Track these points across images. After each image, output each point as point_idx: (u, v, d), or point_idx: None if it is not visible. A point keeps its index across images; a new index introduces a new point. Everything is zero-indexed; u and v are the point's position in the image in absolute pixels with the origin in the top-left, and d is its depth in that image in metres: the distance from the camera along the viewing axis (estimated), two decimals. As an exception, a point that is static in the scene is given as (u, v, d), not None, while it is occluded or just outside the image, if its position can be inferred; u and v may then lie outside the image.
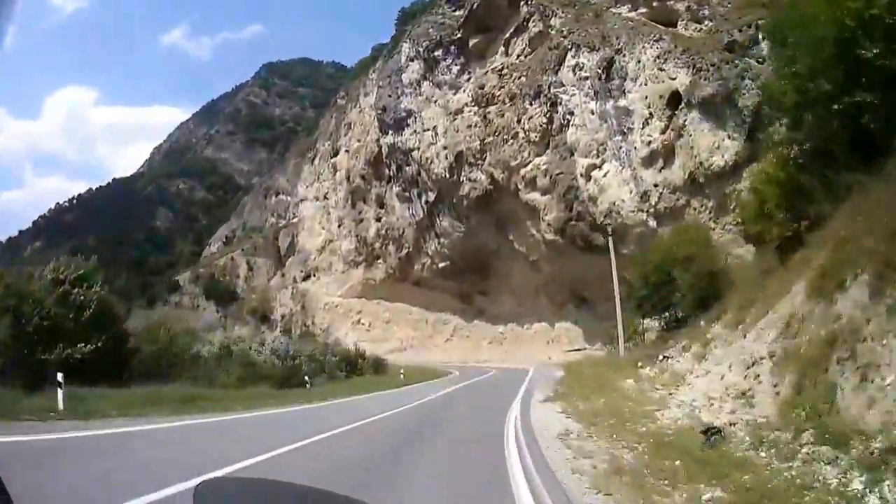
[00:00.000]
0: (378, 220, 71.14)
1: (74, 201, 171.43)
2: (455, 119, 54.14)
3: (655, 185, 36.39)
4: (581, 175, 40.24)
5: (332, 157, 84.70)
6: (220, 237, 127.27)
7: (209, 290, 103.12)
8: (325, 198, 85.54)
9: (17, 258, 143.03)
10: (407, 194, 64.20)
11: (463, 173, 52.54)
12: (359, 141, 75.65)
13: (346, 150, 79.98)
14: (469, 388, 27.57)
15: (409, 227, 64.94)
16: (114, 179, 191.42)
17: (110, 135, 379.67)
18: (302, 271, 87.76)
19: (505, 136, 47.03)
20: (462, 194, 53.06)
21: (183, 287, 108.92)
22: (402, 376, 35.29)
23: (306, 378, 27.16)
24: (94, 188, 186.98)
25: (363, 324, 75.23)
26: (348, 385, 28.59)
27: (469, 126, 51.75)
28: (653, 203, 36.43)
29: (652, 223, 36.28)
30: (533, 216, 44.95)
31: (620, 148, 37.91)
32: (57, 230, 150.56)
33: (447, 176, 54.89)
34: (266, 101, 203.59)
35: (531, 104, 44.91)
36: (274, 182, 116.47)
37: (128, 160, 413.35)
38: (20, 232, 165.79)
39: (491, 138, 48.70)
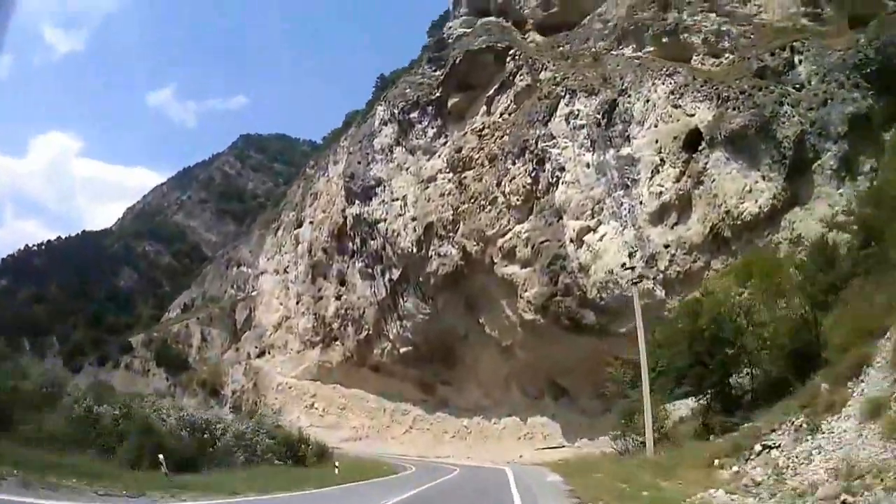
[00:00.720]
0: (338, 297, 66.07)
1: (43, 247, 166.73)
2: (427, 187, 49.91)
3: (666, 246, 31.53)
4: (571, 241, 35.42)
5: (295, 229, 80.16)
6: (179, 304, 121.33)
7: (160, 355, 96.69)
8: (286, 271, 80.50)
9: None
10: (370, 271, 59.39)
11: (432, 247, 47.96)
12: (324, 212, 71.49)
13: (311, 222, 75.50)
14: (432, 497, 19.39)
15: (369, 308, 59.80)
16: (84, 231, 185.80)
17: (89, 188, 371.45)
18: (256, 347, 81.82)
19: (482, 203, 42.60)
20: (429, 271, 48.33)
21: (136, 349, 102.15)
22: (336, 470, 28.35)
23: (161, 460, 19.50)
24: (63, 237, 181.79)
25: (317, 408, 69.00)
26: (253, 476, 22.00)
27: (442, 195, 47.51)
28: (661, 268, 31.49)
29: (659, 292, 31.38)
30: (509, 293, 39.87)
31: (622, 205, 33.32)
32: (23, 272, 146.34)
33: (414, 251, 50.26)
34: (240, 173, 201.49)
35: (514, 163, 40.67)
36: (237, 253, 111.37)
37: (103, 217, 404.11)
38: None
39: (466, 206, 44.32)
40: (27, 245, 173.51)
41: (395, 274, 54.40)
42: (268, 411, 73.53)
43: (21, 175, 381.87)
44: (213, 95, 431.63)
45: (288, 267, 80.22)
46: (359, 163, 61.68)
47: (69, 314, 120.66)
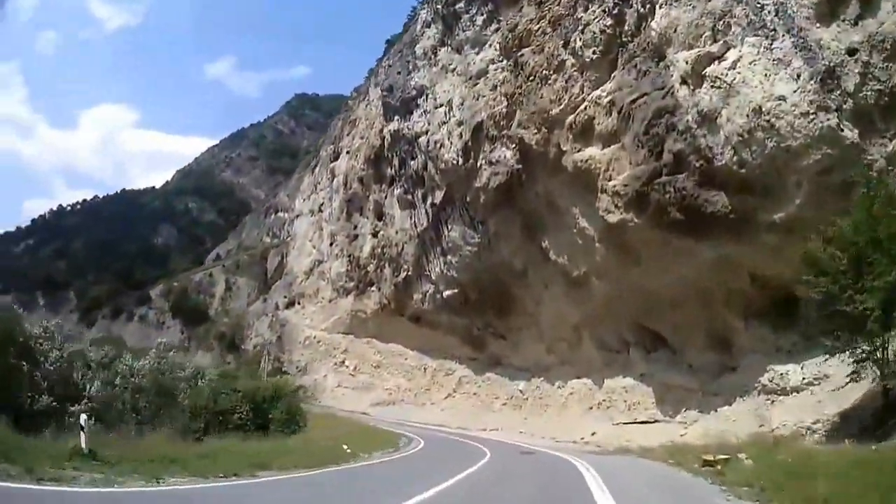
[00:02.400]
0: (374, 234, 55.59)
1: (78, 206, 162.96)
2: (476, 84, 38.19)
3: (851, 53, 17.97)
4: (682, 82, 22.15)
5: (332, 162, 69.80)
6: (214, 257, 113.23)
7: (177, 306, 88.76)
8: (320, 210, 70.56)
9: (8, 253, 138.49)
10: (410, 197, 48.63)
11: (481, 155, 36.35)
12: (362, 138, 60.50)
13: (347, 151, 64.99)
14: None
15: (409, 243, 49.15)
16: (123, 190, 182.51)
17: (145, 159, 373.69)
18: (285, 297, 72.34)
19: (545, 74, 30.22)
20: (478, 186, 36.81)
21: (153, 301, 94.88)
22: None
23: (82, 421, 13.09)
24: (100, 196, 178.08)
25: (347, 366, 58.95)
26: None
27: (494, 87, 35.59)
28: (848, 89, 17.96)
29: (849, 134, 17.90)
30: (584, 193, 26.67)
31: (762, 7, 19.92)
32: (51, 231, 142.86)
33: (460, 162, 38.82)
34: (293, 131, 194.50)
35: (587, 8, 27.98)
36: (275, 200, 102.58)
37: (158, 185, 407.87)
38: (17, 228, 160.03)
39: (523, 88, 32.05)
40: (60, 205, 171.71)
41: (438, 196, 43.32)
42: (292, 368, 65.76)
43: (72, 148, 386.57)
44: (274, 66, 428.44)
45: (323, 204, 70.29)
46: (398, 73, 51.42)
47: (92, 270, 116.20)
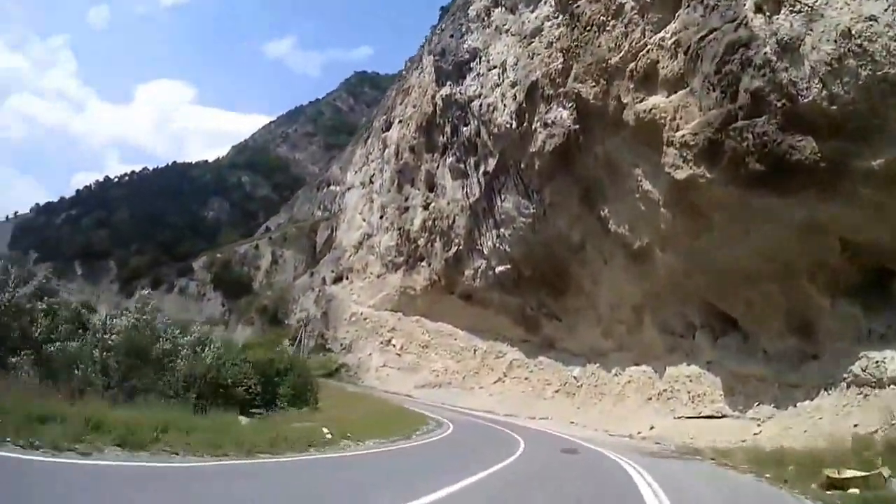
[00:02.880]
0: (426, 206, 53.90)
1: (126, 178, 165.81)
2: (530, 43, 35.57)
3: None
4: (755, 10, 18.84)
5: (384, 133, 68.68)
6: (263, 231, 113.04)
7: (219, 278, 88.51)
8: (371, 181, 69.55)
9: (50, 224, 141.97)
10: (462, 166, 46.64)
11: (536, 116, 33.84)
12: (414, 107, 58.92)
13: (400, 121, 63.53)
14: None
15: (461, 215, 47.23)
16: (173, 163, 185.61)
17: (202, 135, 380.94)
18: (333, 271, 71.38)
19: (603, 21, 27.04)
20: (533, 151, 34.35)
21: (195, 273, 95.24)
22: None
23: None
24: (150, 168, 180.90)
25: (394, 345, 57.60)
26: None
27: (549, 44, 32.87)
28: None
29: None
30: (648, 150, 23.77)
31: None
32: (96, 202, 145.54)
33: (514, 125, 36.43)
34: (352, 108, 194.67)
35: None
36: (329, 173, 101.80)
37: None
38: (60, 198, 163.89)
39: (580, 39, 28.95)
40: (107, 177, 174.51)
41: (491, 164, 41.04)
42: (336, 345, 64.92)
43: (126, 122, 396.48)
44: (336, 46, 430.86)
45: (373, 176, 69.19)
46: (451, 37, 49.51)
47: (136, 241, 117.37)
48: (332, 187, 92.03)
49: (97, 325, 17.49)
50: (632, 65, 24.47)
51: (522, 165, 36.95)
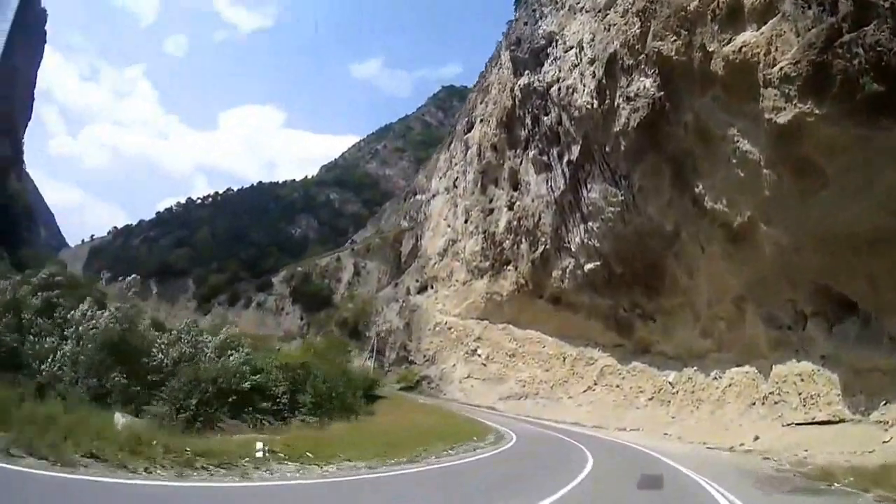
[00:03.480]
0: (510, 206, 52.58)
1: (209, 199, 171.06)
2: (606, 14, 33.61)
3: None
4: None
5: (465, 134, 67.98)
6: (349, 244, 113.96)
7: (298, 291, 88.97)
8: (455, 185, 68.91)
9: (127, 246, 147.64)
10: (545, 158, 44.92)
11: (617, 92, 31.42)
12: (494, 103, 58.08)
13: (481, 120, 62.71)
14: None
15: (546, 211, 45.47)
16: (259, 182, 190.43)
17: (291, 160, 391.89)
18: (418, 281, 70.60)
19: None
20: (617, 131, 32.08)
21: (273, 287, 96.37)
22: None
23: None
24: (234, 189, 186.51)
25: (479, 355, 56.06)
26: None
27: (625, 11, 30.75)
28: None
29: None
30: (742, 104, 20.83)
31: None
32: (177, 223, 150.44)
33: (595, 104, 34.25)
34: (441, 122, 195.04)
35: None
36: (414, 183, 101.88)
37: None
38: (139, 221, 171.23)
39: None
40: (189, 198, 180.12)
41: (575, 152, 39.01)
42: (419, 357, 63.92)
43: (214, 148, 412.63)
44: (424, 65, 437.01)
45: (457, 179, 68.41)
46: (525, 24, 48.37)
47: (216, 259, 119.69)
48: (417, 196, 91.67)
49: (76, 317, 16.71)
50: (712, 5, 22.17)
51: (607, 149, 34.88)
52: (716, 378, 31.95)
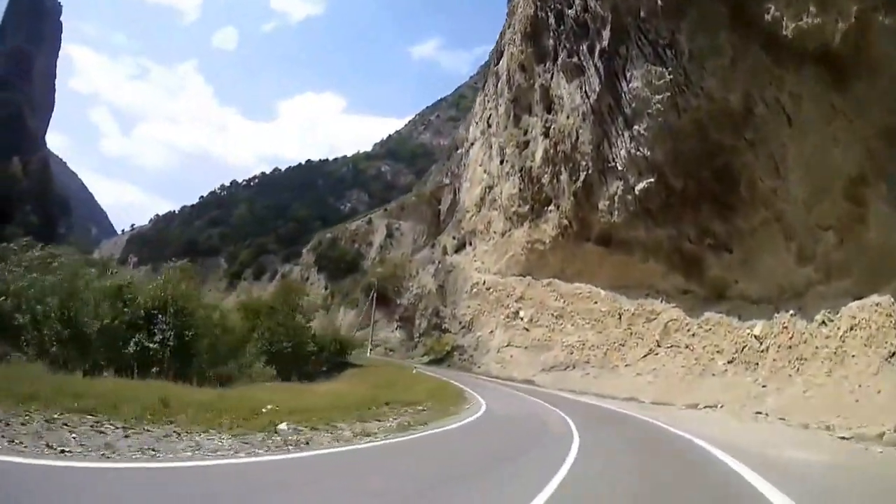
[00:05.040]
0: (546, 132, 43.87)
1: (256, 180, 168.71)
2: None
3: None
4: None
5: (495, 66, 61.30)
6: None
7: (323, 258, 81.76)
8: (488, 125, 60.58)
9: (166, 230, 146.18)
10: (575, 60, 36.38)
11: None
12: (519, 21, 50.04)
13: (508, 44, 54.74)
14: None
15: (584, 126, 36.64)
16: (307, 161, 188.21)
17: (352, 144, 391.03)
18: (455, 238, 62.41)
19: None
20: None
21: (301, 258, 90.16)
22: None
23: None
24: (281, 168, 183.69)
25: (522, 318, 47.38)
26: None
27: None
28: None
29: None
30: None
31: None
32: (215, 204, 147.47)
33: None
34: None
35: None
36: (455, 138, 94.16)
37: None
38: (181, 207, 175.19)
39: None
40: (234, 180, 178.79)
41: (606, 37, 30.15)
42: (454, 325, 55.51)
43: (274, 137, 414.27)
44: (483, 42, 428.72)
45: (490, 117, 60.37)
46: None
47: (251, 236, 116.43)
48: (457, 151, 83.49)
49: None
50: None
51: (642, 14, 25.63)
52: (825, 322, 21.92)
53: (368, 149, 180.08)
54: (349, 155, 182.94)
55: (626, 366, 35.42)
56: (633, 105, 29.54)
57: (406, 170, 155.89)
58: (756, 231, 26.09)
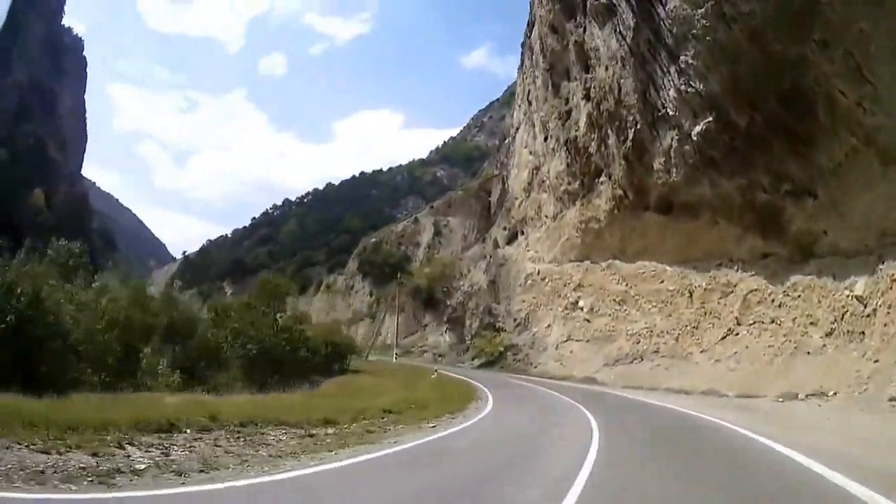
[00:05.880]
0: (586, 94, 39.77)
1: (308, 196, 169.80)
2: None
3: None
4: None
5: (528, 38, 57.71)
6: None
7: (367, 264, 78.42)
8: (529, 103, 56.58)
9: (217, 254, 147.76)
10: (606, 1, 32.41)
11: None
12: (548, -8, 46.69)
13: (538, 8, 51.54)
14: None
15: (625, 75, 32.45)
16: (360, 173, 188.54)
17: (412, 155, 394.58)
18: (505, 229, 58.49)
19: None
20: None
21: (346, 267, 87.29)
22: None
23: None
24: (335, 183, 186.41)
25: (581, 308, 42.84)
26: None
27: None
28: None
29: None
30: None
31: None
32: (271, 222, 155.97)
33: None
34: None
35: None
36: (502, 129, 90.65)
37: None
38: (233, 230, 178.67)
39: None
40: (286, 199, 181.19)
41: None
42: (508, 322, 51.17)
43: (332, 158, 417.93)
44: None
45: (529, 93, 56.58)
46: None
47: (300, 251, 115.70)
48: (505, 141, 79.46)
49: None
50: None
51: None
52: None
53: (424, 156, 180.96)
54: (404, 164, 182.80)
55: (702, 352, 30.47)
56: (675, 31, 24.93)
57: (462, 173, 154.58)
58: (843, 164, 20.93)
